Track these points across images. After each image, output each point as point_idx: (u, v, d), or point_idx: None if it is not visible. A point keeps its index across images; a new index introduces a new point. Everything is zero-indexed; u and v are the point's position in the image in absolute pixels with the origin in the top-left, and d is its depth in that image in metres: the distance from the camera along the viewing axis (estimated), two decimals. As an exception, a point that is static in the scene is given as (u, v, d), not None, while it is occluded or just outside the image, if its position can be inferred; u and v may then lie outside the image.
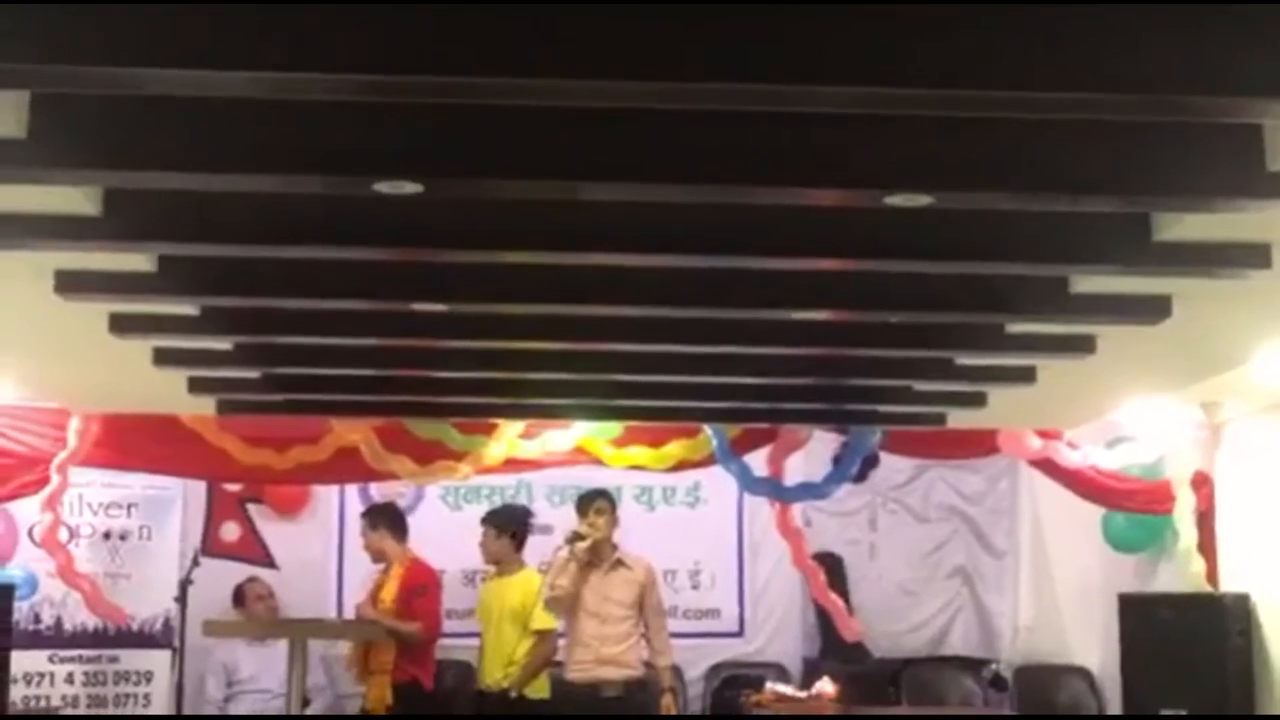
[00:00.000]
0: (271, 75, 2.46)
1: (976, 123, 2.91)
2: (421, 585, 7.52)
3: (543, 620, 7.33)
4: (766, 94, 2.57)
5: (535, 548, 7.84)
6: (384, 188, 3.06)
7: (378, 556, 7.67)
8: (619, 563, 7.25)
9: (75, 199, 3.36)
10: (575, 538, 7.15)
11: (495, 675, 7.41)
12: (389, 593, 7.43)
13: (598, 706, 7.08)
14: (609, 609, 7.17)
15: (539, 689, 7.40)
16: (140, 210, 3.46)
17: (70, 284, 4.19)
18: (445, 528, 8.53)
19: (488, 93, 2.60)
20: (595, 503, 7.28)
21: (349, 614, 8.24)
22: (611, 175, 3.05)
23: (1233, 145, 3.00)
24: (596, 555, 7.20)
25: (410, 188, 3.06)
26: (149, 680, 8.39)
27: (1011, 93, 2.53)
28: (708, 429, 7.33)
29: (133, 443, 7.26)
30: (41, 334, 5.08)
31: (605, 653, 7.12)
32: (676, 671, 7.57)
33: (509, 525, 7.66)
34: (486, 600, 7.70)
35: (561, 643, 7.39)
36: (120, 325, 4.77)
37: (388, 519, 7.74)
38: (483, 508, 8.16)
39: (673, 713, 7.28)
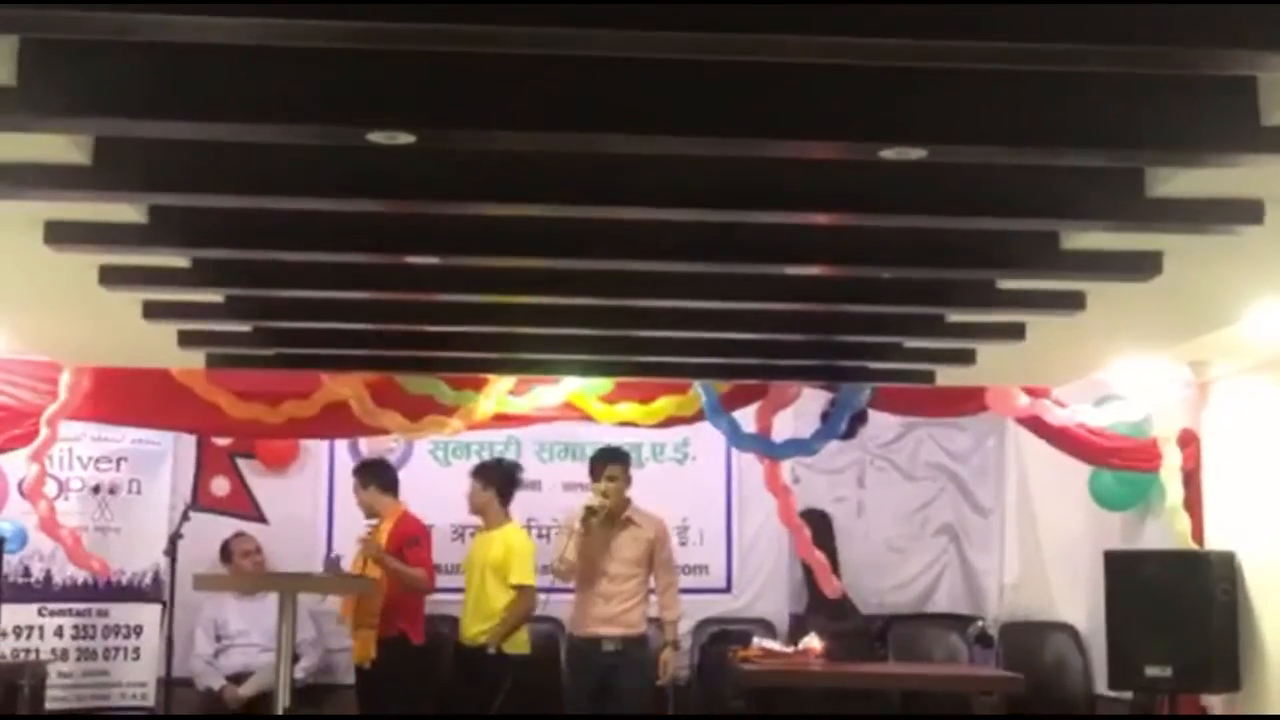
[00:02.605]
0: (265, 21, 2.45)
1: (970, 75, 2.91)
2: (413, 536, 7.57)
3: (522, 575, 7.33)
4: (762, 44, 2.56)
5: (523, 503, 7.85)
6: (377, 138, 3.05)
7: (369, 512, 7.72)
8: (629, 521, 7.26)
9: (65, 148, 3.33)
10: (590, 513, 7.10)
11: (474, 629, 7.40)
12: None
13: (596, 658, 7.16)
14: (616, 568, 7.21)
15: (519, 645, 7.38)
16: (131, 160, 3.44)
17: (60, 235, 4.17)
18: (435, 483, 8.52)
19: (482, 41, 2.59)
20: (608, 469, 7.23)
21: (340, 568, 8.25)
22: (606, 127, 3.04)
23: (1227, 99, 2.99)
24: (608, 516, 7.20)
25: (404, 138, 3.04)
26: (138, 634, 8.42)
27: (1005, 44, 2.52)
28: (697, 385, 7.31)
29: (123, 396, 7.24)
30: (31, 286, 5.05)
31: (610, 610, 7.18)
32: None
33: (493, 478, 7.67)
34: (471, 554, 7.70)
35: (569, 598, 7.41)
36: (110, 277, 4.75)
37: (377, 476, 7.77)
38: (473, 463, 8.16)
39: (670, 668, 7.31)
